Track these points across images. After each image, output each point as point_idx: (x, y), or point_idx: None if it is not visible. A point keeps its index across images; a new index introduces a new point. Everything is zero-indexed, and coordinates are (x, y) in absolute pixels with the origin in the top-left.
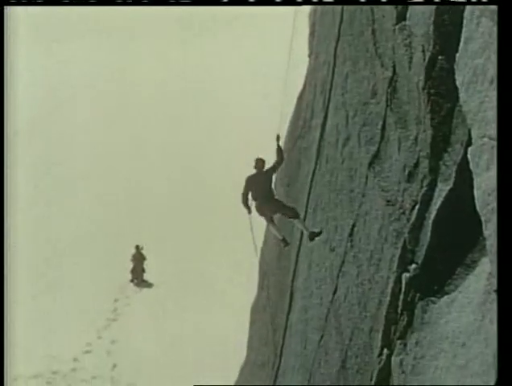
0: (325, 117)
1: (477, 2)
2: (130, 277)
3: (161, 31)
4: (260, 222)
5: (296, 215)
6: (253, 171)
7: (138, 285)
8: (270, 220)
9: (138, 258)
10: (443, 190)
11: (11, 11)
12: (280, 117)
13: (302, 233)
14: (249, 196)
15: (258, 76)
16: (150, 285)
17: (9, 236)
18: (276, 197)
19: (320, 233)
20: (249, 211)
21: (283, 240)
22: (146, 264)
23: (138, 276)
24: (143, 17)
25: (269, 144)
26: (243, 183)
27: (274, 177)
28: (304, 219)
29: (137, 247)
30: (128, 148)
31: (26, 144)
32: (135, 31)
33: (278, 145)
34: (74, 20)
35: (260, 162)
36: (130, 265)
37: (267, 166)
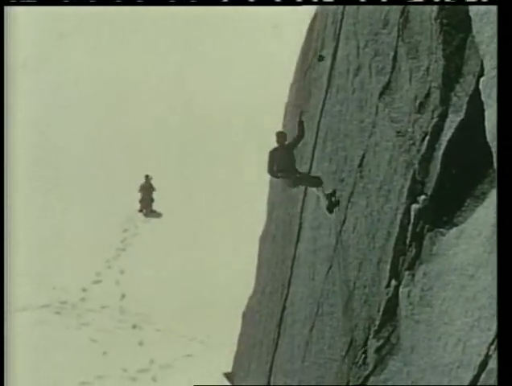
0: (336, 47)
1: (477, 2)
2: (138, 207)
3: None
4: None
5: (319, 184)
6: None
7: (146, 215)
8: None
9: (147, 188)
10: (453, 121)
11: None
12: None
13: (311, 164)
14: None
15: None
16: (158, 215)
17: (11, 166)
18: (299, 170)
19: (338, 203)
20: (278, 177)
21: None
22: (155, 195)
23: (146, 206)
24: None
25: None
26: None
27: (295, 151)
28: (314, 149)
29: (146, 177)
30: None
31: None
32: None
33: (300, 120)
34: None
35: (281, 136)
36: (139, 195)
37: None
